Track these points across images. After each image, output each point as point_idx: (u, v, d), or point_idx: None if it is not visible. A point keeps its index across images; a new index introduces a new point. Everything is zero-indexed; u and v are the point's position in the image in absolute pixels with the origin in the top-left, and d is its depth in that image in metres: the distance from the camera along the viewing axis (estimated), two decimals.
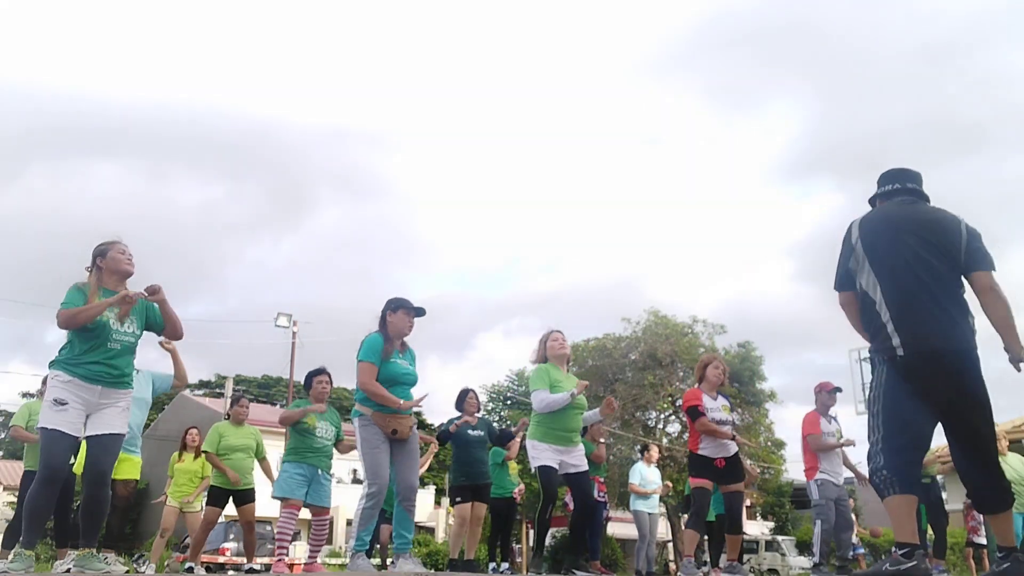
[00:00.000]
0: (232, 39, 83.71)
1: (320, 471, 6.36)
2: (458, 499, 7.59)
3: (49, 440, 4.15)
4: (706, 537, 9.04)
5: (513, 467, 8.45)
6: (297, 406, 6.67)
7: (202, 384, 44.58)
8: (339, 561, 20.08)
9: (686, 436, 7.27)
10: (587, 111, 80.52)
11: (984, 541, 10.51)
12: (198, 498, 8.33)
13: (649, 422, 25.47)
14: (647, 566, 9.52)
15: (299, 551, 16.71)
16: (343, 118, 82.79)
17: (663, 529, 22.25)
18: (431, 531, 32.06)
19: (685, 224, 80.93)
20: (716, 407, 6.21)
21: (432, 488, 34.47)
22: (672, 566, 22.10)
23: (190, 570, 7.75)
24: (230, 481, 7.13)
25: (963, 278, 3.49)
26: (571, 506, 6.84)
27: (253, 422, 7.94)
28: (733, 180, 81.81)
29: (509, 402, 28.86)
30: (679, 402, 21.89)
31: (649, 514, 9.58)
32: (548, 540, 7.57)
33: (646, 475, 9.64)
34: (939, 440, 3.64)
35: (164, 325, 4.58)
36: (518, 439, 7.85)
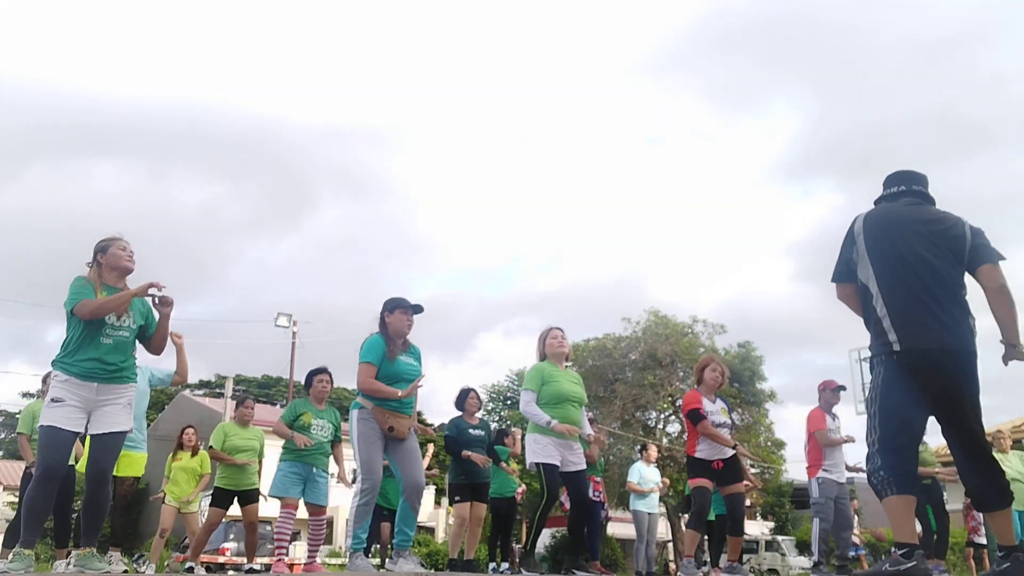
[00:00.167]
0: (232, 38, 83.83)
1: (316, 469, 6.36)
2: (457, 498, 7.59)
3: (47, 437, 4.15)
4: (706, 537, 9.05)
5: (513, 467, 8.46)
6: (296, 406, 6.68)
7: (202, 384, 44.58)
8: (339, 561, 20.07)
9: (686, 437, 7.26)
10: (587, 111, 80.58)
11: (984, 541, 10.51)
12: (197, 498, 8.33)
13: (649, 422, 25.48)
14: (647, 566, 9.53)
15: (299, 551, 16.72)
16: (344, 117, 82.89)
17: (663, 529, 22.23)
18: (431, 531, 32.05)
19: (685, 224, 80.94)
20: (715, 410, 6.21)
21: (432, 488, 34.44)
22: (672, 566, 22.07)
23: (190, 570, 7.74)
24: (235, 471, 7.13)
25: (965, 279, 3.49)
26: (567, 505, 6.84)
27: (253, 421, 7.95)
28: (733, 180, 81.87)
29: (509, 402, 28.89)
30: (679, 402, 21.88)
31: (649, 514, 9.59)
32: (548, 540, 7.55)
33: (645, 474, 9.67)
34: (939, 440, 3.64)
35: (153, 336, 4.54)
36: (517, 433, 7.83)
